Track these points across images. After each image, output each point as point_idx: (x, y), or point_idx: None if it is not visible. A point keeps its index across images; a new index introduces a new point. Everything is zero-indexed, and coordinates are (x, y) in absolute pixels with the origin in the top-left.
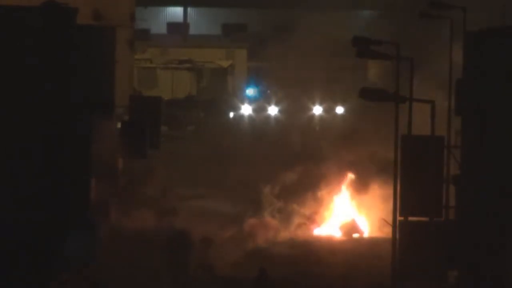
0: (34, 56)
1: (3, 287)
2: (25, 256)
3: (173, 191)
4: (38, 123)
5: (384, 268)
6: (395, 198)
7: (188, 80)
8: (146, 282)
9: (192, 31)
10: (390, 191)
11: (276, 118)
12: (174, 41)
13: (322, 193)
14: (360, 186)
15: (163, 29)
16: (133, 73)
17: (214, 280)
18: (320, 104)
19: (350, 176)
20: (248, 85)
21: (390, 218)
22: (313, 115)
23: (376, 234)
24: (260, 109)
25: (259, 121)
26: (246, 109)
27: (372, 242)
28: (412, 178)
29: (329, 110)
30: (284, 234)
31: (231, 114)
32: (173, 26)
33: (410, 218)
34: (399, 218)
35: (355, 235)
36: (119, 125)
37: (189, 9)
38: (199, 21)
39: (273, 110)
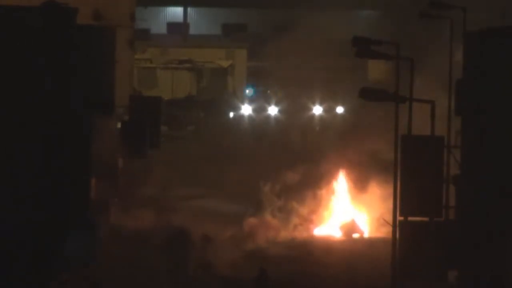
0: (34, 56)
1: (3, 287)
2: (25, 256)
3: (173, 191)
4: (38, 123)
5: (384, 268)
6: (395, 198)
7: (188, 80)
8: (146, 282)
9: (192, 31)
10: (390, 191)
11: (276, 118)
12: (174, 41)
13: (322, 192)
14: (360, 186)
15: (163, 29)
16: (133, 73)
17: (214, 280)
18: (320, 104)
19: (350, 176)
20: (247, 85)
21: (390, 218)
22: (313, 115)
23: (376, 234)
24: (260, 109)
25: (259, 121)
26: (246, 109)
27: (372, 242)
28: (412, 178)
29: (329, 110)
30: (284, 234)
31: (231, 114)
32: (173, 26)
33: (410, 218)
34: (399, 218)
35: (355, 235)
36: (119, 125)
37: (189, 9)
38: (199, 21)
39: (273, 110)
